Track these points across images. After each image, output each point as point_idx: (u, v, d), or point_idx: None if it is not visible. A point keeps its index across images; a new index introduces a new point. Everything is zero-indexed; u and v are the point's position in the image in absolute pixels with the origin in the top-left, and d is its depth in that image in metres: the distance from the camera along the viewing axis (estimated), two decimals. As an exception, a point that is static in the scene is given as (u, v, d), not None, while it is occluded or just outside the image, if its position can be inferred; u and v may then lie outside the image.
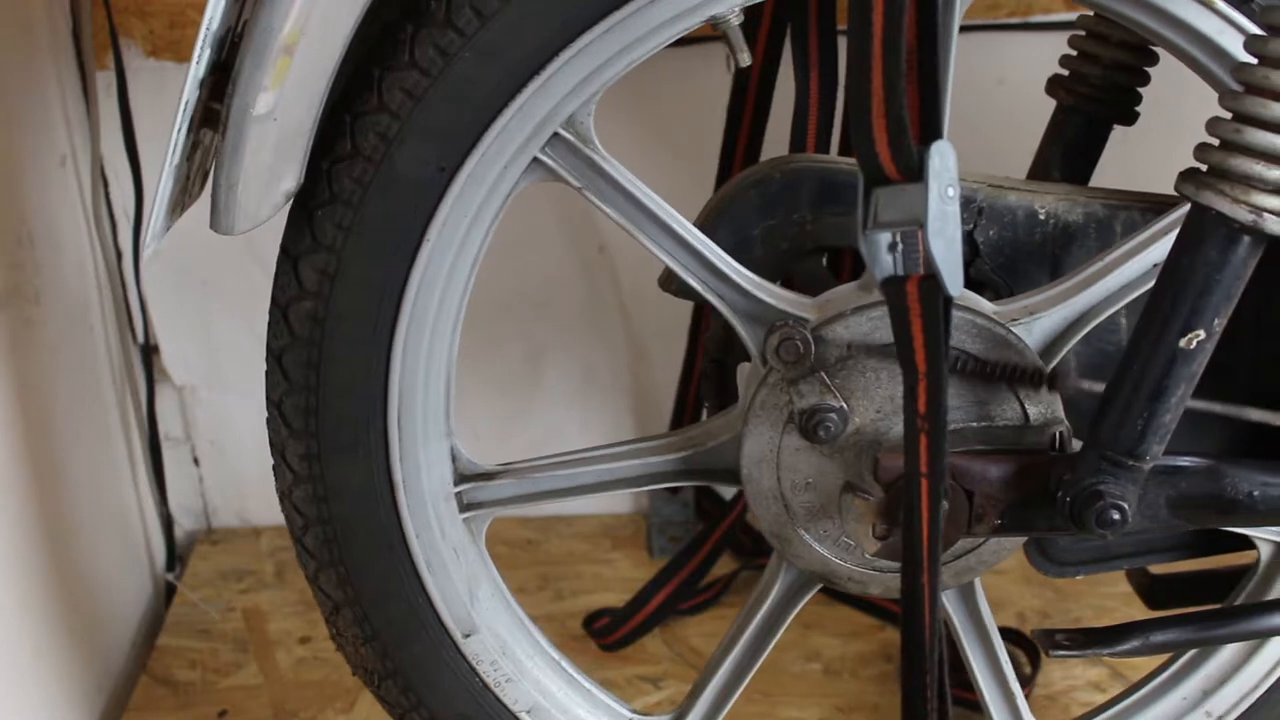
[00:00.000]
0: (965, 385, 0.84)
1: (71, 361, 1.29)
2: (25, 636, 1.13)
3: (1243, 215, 0.75)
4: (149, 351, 1.50)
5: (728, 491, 1.51)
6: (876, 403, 0.85)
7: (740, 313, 0.86)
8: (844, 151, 1.13)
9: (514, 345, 1.56)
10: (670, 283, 0.91)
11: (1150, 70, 1.01)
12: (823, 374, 0.84)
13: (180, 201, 0.79)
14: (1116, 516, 0.81)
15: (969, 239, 0.91)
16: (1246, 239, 0.76)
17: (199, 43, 0.72)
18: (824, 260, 0.95)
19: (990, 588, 1.23)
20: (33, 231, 1.20)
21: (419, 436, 0.87)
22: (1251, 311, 0.84)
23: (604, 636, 1.40)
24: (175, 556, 1.54)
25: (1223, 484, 0.84)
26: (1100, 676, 1.33)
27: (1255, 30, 0.82)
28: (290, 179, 0.80)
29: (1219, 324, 0.78)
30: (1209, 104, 0.83)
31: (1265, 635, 0.91)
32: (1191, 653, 0.96)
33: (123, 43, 1.34)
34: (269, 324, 0.86)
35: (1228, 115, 0.78)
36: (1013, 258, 0.92)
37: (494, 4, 0.77)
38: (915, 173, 0.64)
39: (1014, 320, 0.86)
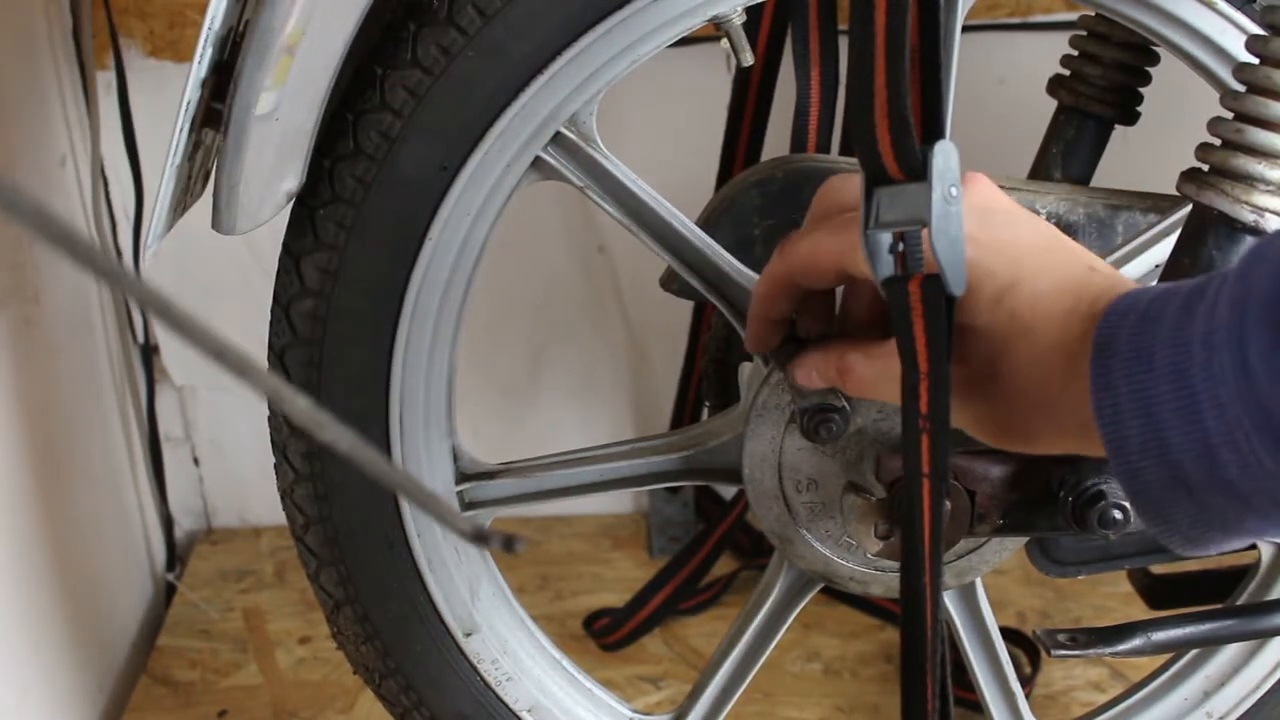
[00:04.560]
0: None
1: (72, 361, 1.29)
2: (25, 636, 1.13)
3: (1244, 215, 0.75)
4: (149, 351, 1.49)
5: (728, 491, 1.51)
6: (878, 402, 0.84)
7: (742, 312, 0.86)
8: (845, 151, 1.13)
9: (514, 345, 1.56)
10: (671, 283, 0.91)
11: (1151, 70, 1.01)
12: (824, 374, 0.84)
13: (181, 201, 0.79)
14: (1118, 516, 0.81)
15: (970, 239, 0.91)
16: (1248, 239, 0.76)
17: (200, 42, 0.72)
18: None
19: (991, 588, 1.23)
20: (33, 231, 1.20)
21: (420, 435, 0.87)
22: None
23: (604, 636, 1.40)
24: (175, 556, 1.54)
25: (1224, 484, 0.84)
26: (1101, 676, 1.33)
27: (1256, 30, 0.82)
28: (292, 178, 0.80)
29: (1220, 324, 0.78)
30: (1210, 104, 0.83)
31: (1267, 635, 0.91)
32: (1193, 653, 0.97)
33: (123, 43, 1.34)
34: (270, 322, 0.86)
35: (1229, 115, 0.78)
36: (1014, 257, 0.91)
37: (496, 3, 0.77)
38: (918, 172, 0.64)
39: (1015, 320, 0.86)
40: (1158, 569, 1.01)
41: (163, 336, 1.51)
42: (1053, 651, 0.88)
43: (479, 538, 0.41)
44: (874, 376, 0.71)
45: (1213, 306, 0.56)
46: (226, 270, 1.47)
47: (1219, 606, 0.93)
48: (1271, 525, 0.58)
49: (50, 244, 0.33)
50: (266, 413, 0.89)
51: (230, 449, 1.60)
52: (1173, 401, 0.56)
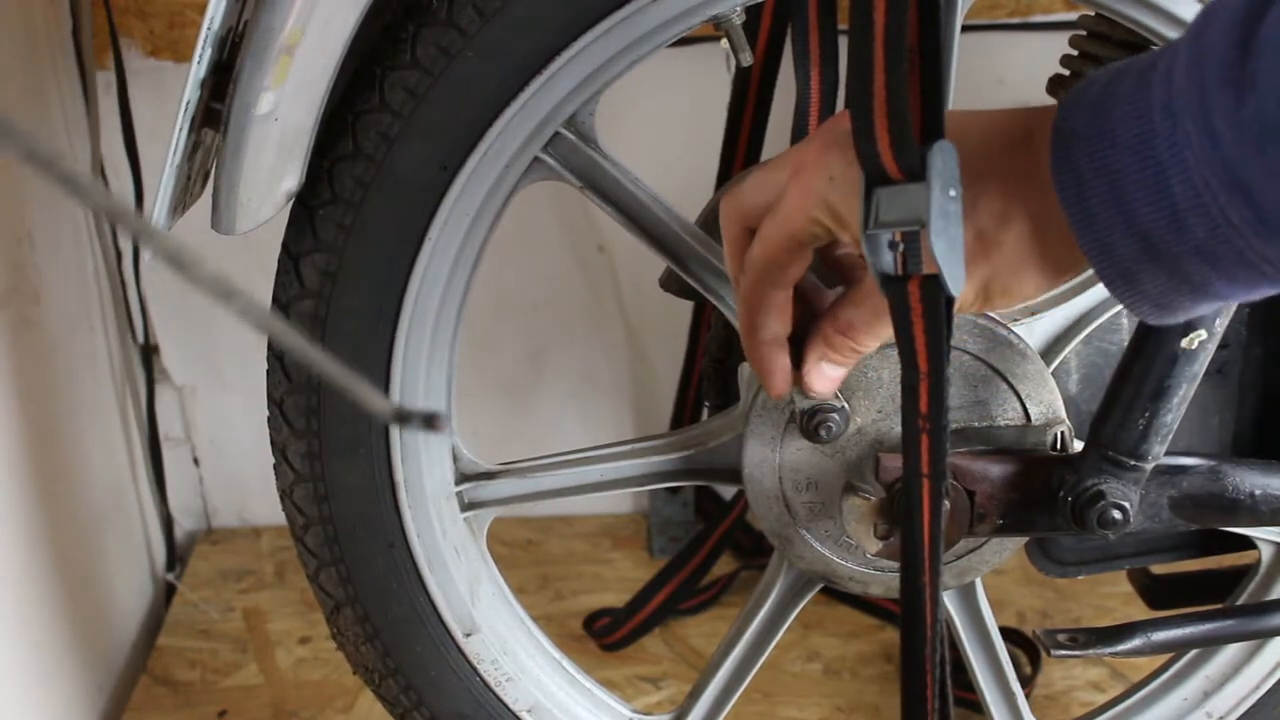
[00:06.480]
0: (967, 385, 0.85)
1: (71, 361, 1.29)
2: (25, 636, 1.13)
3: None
4: (149, 351, 1.50)
5: (728, 491, 1.51)
6: (878, 403, 0.84)
7: (741, 312, 0.86)
8: (845, 151, 1.13)
9: (514, 345, 1.56)
10: (670, 283, 0.91)
11: (1151, 70, 1.01)
12: (824, 374, 0.84)
13: (181, 201, 0.79)
14: (1118, 516, 0.81)
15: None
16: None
17: (200, 42, 0.72)
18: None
19: (991, 588, 1.23)
20: (33, 231, 1.20)
21: (420, 436, 0.87)
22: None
23: (604, 636, 1.40)
24: (175, 556, 1.54)
25: (1224, 485, 0.85)
26: (1100, 676, 1.33)
27: (1257, 30, 0.82)
28: (291, 179, 0.80)
29: (1220, 324, 0.78)
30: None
31: (1266, 635, 0.91)
32: (1193, 653, 0.97)
33: (123, 43, 1.34)
34: (270, 323, 0.86)
35: (1229, 115, 0.77)
36: (1014, 257, 0.91)
37: (496, 3, 0.77)
38: (917, 172, 0.64)
39: (1015, 320, 0.86)
40: (1158, 569, 1.01)
41: (163, 336, 1.51)
42: (1053, 651, 0.88)
43: (400, 417, 0.40)
44: (871, 315, 0.71)
45: (1169, 75, 0.56)
46: (226, 270, 1.47)
47: (1219, 606, 0.93)
48: (1238, 286, 0.58)
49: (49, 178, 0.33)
50: (267, 413, 0.89)
51: (230, 449, 1.60)
52: (1137, 173, 0.57)
